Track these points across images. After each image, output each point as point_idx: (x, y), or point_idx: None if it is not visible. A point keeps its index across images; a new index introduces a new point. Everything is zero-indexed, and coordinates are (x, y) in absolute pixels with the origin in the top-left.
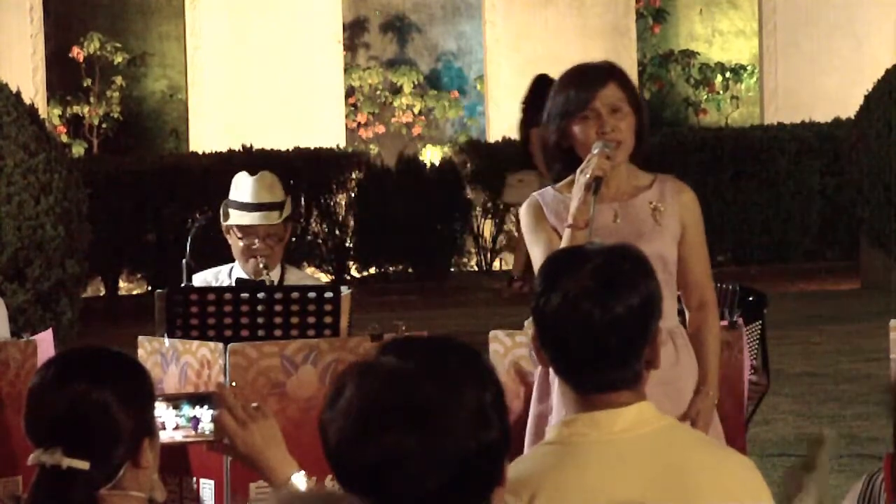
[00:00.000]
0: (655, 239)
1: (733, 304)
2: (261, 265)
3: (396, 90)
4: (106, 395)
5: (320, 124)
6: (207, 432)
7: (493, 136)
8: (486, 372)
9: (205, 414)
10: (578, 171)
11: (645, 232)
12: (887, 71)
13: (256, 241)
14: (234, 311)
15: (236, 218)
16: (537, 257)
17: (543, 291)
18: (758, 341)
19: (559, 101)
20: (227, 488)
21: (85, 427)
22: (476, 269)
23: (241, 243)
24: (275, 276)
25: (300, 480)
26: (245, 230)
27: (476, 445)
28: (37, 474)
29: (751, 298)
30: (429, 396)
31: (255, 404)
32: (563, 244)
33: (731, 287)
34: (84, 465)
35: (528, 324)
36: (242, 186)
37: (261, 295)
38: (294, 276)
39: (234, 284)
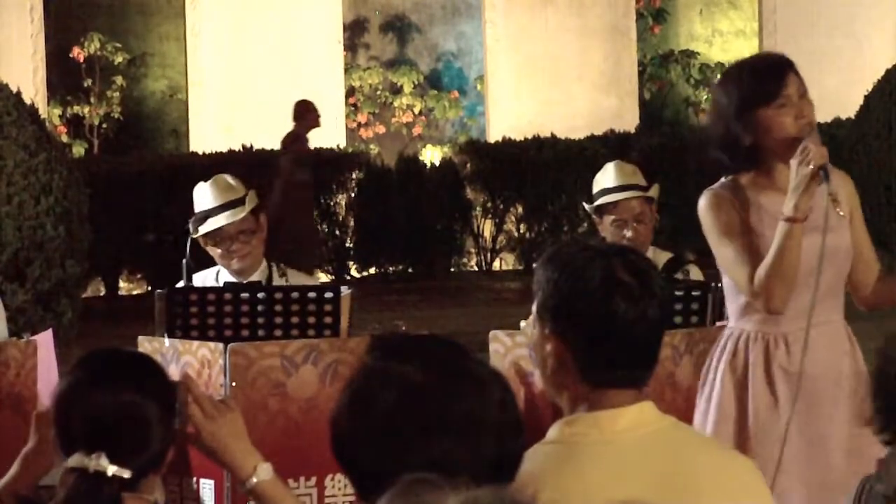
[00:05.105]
0: (841, 229)
1: None
2: (236, 265)
3: (396, 90)
4: (150, 407)
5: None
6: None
7: (493, 136)
8: (500, 376)
9: None
10: (795, 162)
11: (831, 223)
12: (887, 71)
13: (232, 243)
14: (234, 311)
15: (204, 226)
16: (731, 257)
17: (579, 285)
18: None
19: (743, 91)
20: (226, 488)
21: (128, 435)
22: (476, 269)
23: (217, 250)
24: (261, 275)
25: (265, 470)
26: (215, 235)
27: (513, 448)
28: (75, 477)
29: None
30: (470, 404)
31: (220, 397)
32: (779, 239)
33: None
34: (127, 473)
35: (526, 324)
36: (202, 195)
37: (261, 295)
38: (294, 277)
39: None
